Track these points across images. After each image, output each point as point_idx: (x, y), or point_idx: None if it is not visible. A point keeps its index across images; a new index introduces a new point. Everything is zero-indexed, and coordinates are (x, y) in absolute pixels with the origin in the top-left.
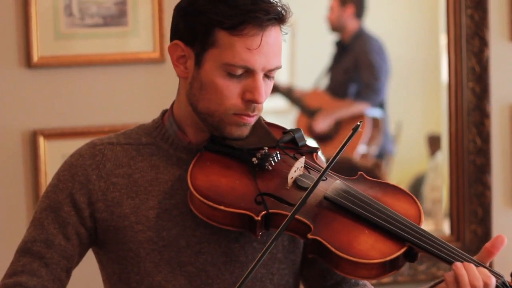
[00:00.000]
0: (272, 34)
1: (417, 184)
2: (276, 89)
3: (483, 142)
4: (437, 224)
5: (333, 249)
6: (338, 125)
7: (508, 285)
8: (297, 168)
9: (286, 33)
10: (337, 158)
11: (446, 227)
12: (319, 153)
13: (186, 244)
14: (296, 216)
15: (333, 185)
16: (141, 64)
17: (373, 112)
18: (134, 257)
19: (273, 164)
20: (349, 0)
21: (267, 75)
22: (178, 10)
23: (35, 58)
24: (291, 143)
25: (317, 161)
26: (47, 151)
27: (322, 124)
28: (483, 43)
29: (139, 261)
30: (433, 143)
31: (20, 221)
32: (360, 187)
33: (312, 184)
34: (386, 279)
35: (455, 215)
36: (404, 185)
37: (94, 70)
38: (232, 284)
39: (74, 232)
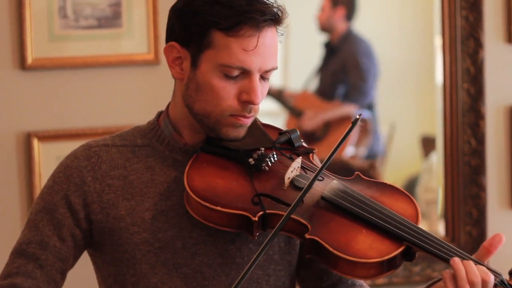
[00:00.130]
0: (268, 35)
1: (411, 186)
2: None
3: (478, 143)
4: (431, 225)
5: (331, 249)
6: (328, 127)
7: (506, 283)
8: (294, 168)
9: (282, 34)
10: (336, 152)
11: (441, 229)
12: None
13: (182, 246)
14: (293, 216)
15: (330, 185)
16: (135, 66)
17: (362, 113)
18: (130, 258)
19: (270, 164)
20: (341, 2)
21: (263, 76)
22: (173, 11)
23: (29, 60)
24: (287, 144)
25: (314, 162)
26: (42, 153)
27: (309, 122)
28: (478, 45)
29: (134, 263)
30: (427, 144)
31: (14, 223)
32: (357, 187)
33: (308, 182)
34: (381, 280)
35: (450, 216)
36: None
37: (88, 72)
38: (228, 286)
39: (69, 233)
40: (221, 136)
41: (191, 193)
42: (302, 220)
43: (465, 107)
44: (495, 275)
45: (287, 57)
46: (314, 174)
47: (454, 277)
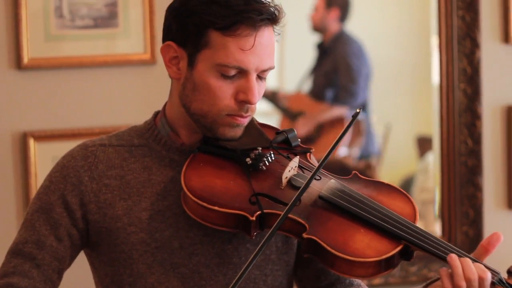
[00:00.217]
0: (265, 34)
1: (407, 186)
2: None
3: (475, 143)
4: (427, 226)
5: (328, 248)
6: (320, 129)
7: (504, 282)
8: (292, 168)
9: (279, 34)
10: (335, 148)
11: (437, 229)
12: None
13: (179, 246)
14: (291, 215)
15: (327, 184)
16: (132, 65)
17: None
18: (127, 258)
19: (267, 164)
20: (335, 4)
21: (260, 76)
22: (170, 10)
23: (25, 59)
24: (284, 144)
25: (311, 161)
26: (37, 153)
27: (303, 127)
28: (475, 45)
29: (131, 263)
30: (423, 144)
31: (10, 223)
32: (355, 186)
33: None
34: (377, 281)
35: (447, 216)
36: None
37: (84, 72)
38: (225, 286)
39: (66, 233)
40: (218, 135)
41: (188, 193)
42: (300, 220)
43: (462, 107)
44: (493, 274)
45: (282, 57)
46: (311, 173)
47: (451, 274)
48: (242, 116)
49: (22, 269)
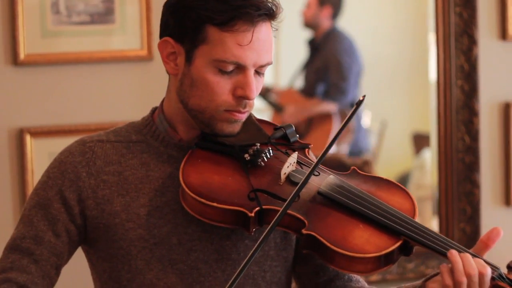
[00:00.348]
0: (263, 30)
1: (402, 183)
2: None
3: (472, 140)
4: (424, 223)
5: (328, 244)
6: (310, 124)
7: (505, 277)
8: (290, 163)
9: (276, 29)
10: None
11: (434, 225)
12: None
13: (177, 242)
14: (290, 211)
15: (326, 180)
16: (128, 62)
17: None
18: (125, 255)
19: (266, 160)
20: (328, 2)
21: (258, 71)
22: (167, 6)
23: (22, 55)
24: (282, 139)
25: (309, 157)
26: (34, 149)
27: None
28: (472, 41)
29: (130, 259)
30: (419, 141)
31: (6, 219)
32: (354, 181)
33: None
34: (374, 277)
35: (444, 213)
36: None
37: (81, 68)
38: (224, 282)
39: (63, 229)
40: (216, 131)
41: (186, 189)
42: (299, 215)
43: (459, 104)
44: (493, 269)
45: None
46: (310, 169)
47: (451, 270)
48: (240, 112)
49: (20, 265)
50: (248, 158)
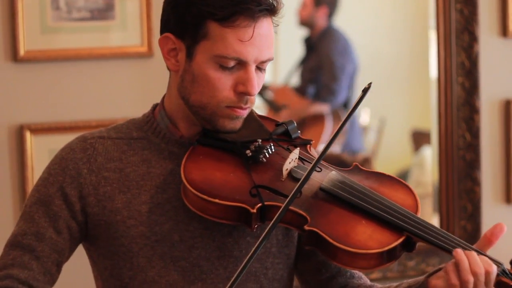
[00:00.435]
0: (264, 25)
1: None
2: None
3: (473, 137)
4: None
5: (330, 240)
6: (302, 124)
7: (508, 273)
8: (292, 159)
9: (277, 25)
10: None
11: (435, 223)
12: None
13: (179, 239)
14: (292, 207)
15: (328, 176)
16: (128, 58)
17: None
18: (127, 252)
19: (267, 156)
20: (324, 2)
21: (259, 67)
22: (168, 2)
23: (22, 52)
24: (284, 135)
25: (311, 153)
26: (34, 146)
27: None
28: (473, 38)
29: (131, 256)
30: (418, 138)
31: (6, 216)
32: (356, 177)
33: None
34: (375, 275)
35: (445, 211)
36: None
37: (81, 64)
38: (226, 279)
39: (65, 226)
40: (217, 128)
41: (188, 186)
42: (301, 212)
43: (460, 101)
44: (496, 265)
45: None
46: (312, 165)
47: (457, 269)
48: (241, 108)
49: (22, 261)
50: (250, 154)
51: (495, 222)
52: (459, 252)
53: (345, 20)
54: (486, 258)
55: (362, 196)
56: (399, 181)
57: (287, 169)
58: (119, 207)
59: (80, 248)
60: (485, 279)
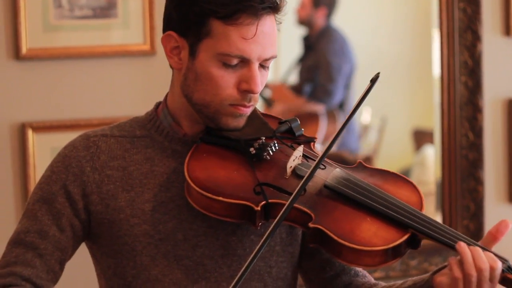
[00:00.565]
0: (267, 23)
1: None
2: None
3: (476, 136)
4: None
5: (335, 238)
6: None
7: None
8: (296, 157)
9: (280, 23)
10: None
11: None
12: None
13: (182, 238)
14: (296, 205)
15: (332, 173)
16: (131, 56)
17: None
18: (130, 250)
19: (271, 154)
20: (322, 3)
21: (263, 65)
22: (171, 0)
23: (24, 50)
24: (288, 133)
25: (315, 150)
26: (36, 144)
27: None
28: (476, 37)
29: (135, 255)
30: (419, 137)
31: (8, 214)
32: (360, 175)
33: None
34: (377, 274)
35: (447, 210)
36: None
37: (83, 63)
38: (230, 278)
39: (68, 223)
40: (220, 126)
41: (192, 184)
42: (305, 209)
43: (463, 100)
44: (502, 261)
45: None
46: (316, 162)
47: (461, 263)
48: (245, 106)
49: (25, 258)
50: (254, 152)
51: (498, 221)
52: (462, 245)
53: (346, 19)
54: (491, 254)
55: (367, 193)
56: (404, 178)
57: (291, 166)
58: (122, 205)
59: (83, 246)
60: (490, 275)
